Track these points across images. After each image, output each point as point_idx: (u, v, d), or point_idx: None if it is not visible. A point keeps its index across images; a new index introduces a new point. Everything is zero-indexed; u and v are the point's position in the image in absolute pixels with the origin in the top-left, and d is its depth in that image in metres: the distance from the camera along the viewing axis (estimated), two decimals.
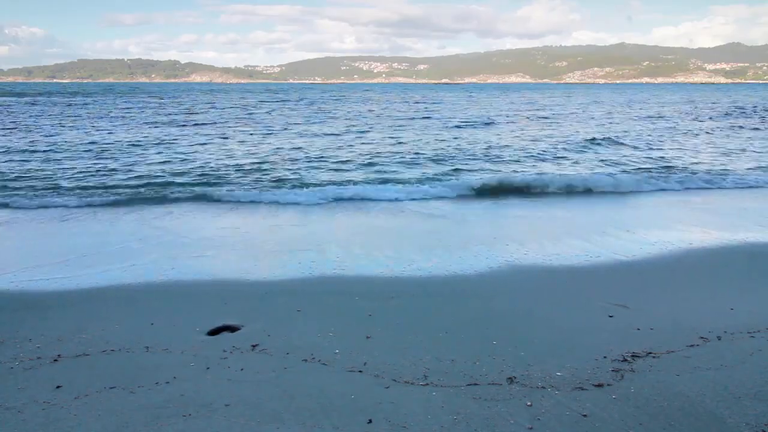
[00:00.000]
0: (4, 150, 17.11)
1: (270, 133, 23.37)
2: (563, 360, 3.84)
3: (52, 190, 10.95)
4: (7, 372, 3.73)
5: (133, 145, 18.78)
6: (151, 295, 5.31)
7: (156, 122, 28.28)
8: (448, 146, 18.62)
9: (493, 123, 28.93)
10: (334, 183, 11.99)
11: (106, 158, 15.77)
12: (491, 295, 5.25)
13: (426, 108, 44.01)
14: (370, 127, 25.82)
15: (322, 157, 16.25)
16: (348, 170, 13.70)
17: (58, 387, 3.51)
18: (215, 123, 28.45)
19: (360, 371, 3.71)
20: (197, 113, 35.81)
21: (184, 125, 26.79)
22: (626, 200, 10.52)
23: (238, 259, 6.54)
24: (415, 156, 16.09)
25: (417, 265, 6.25)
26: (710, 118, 32.79)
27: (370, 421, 3.12)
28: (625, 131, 23.80)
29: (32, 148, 17.52)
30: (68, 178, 12.48)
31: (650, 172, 13.27)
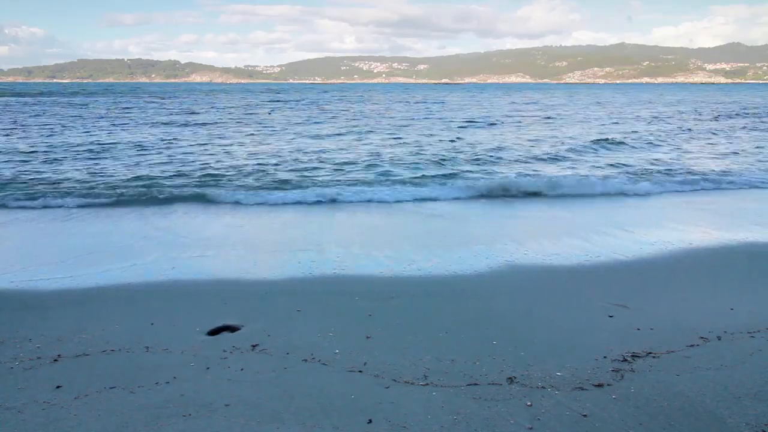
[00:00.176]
0: (3, 150, 17.11)
1: (271, 134, 23.36)
2: (563, 360, 3.84)
3: (52, 190, 10.94)
4: (7, 372, 3.73)
5: (134, 145, 18.78)
6: (151, 295, 5.31)
7: (157, 122, 28.29)
8: (452, 147, 18.56)
9: (496, 123, 28.87)
10: (334, 183, 11.98)
11: (107, 158, 15.78)
12: (491, 295, 5.25)
13: (427, 108, 44.00)
14: (372, 128, 25.80)
15: (323, 157, 16.25)
16: (349, 171, 13.68)
17: (58, 387, 3.51)
18: (216, 123, 28.45)
19: (360, 371, 3.71)
20: (198, 113, 35.82)
21: (184, 125, 26.79)
22: (626, 200, 10.52)
23: (238, 259, 6.54)
24: (417, 157, 16.07)
25: (417, 265, 6.25)
26: (715, 118, 32.71)
27: (370, 421, 3.12)
28: (631, 132, 23.64)
29: (32, 148, 17.52)
30: (68, 178, 12.48)
31: (664, 174, 13.14)
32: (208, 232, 7.98)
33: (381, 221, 8.96)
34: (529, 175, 13.03)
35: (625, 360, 3.85)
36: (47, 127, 25.04)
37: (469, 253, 6.72)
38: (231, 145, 19.27)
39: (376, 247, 7.05)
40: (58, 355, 3.97)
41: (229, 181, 12.28)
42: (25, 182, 11.93)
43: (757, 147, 18.88)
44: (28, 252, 6.95)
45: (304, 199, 10.32)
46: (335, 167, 14.25)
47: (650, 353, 3.95)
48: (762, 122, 29.86)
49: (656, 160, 15.73)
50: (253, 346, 4.13)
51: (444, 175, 12.87)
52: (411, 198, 10.48)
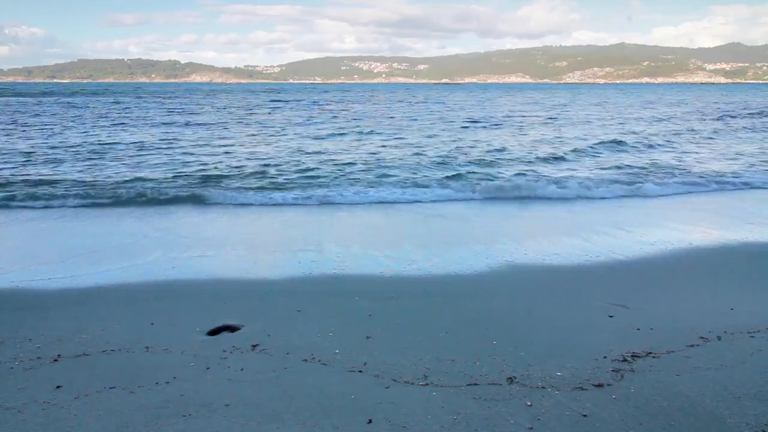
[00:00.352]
0: (4, 150, 17.11)
1: (272, 134, 23.36)
2: (563, 360, 3.84)
3: (52, 190, 10.94)
4: (7, 372, 3.73)
5: (134, 145, 18.78)
6: (151, 295, 5.31)
7: (157, 122, 28.29)
8: (453, 147, 18.51)
9: (500, 124, 28.81)
10: (335, 184, 11.98)
11: (107, 158, 15.77)
12: (491, 295, 5.25)
13: (429, 108, 43.96)
14: (373, 128, 25.79)
15: (323, 157, 16.25)
16: (350, 171, 13.66)
17: (58, 387, 3.51)
18: (216, 123, 28.46)
19: (360, 371, 3.71)
20: (199, 113, 35.83)
21: (185, 125, 26.79)
22: (626, 201, 10.52)
23: (238, 259, 6.54)
24: (418, 157, 16.05)
25: (417, 265, 6.25)
26: (720, 118, 32.65)
27: (370, 421, 3.12)
28: (631, 132, 23.60)
29: (32, 148, 17.52)
30: (69, 178, 12.47)
31: (668, 174, 13.07)
32: (208, 232, 7.99)
33: (381, 221, 8.97)
34: (545, 178, 13.02)
35: (625, 360, 3.85)
36: (47, 127, 25.04)
37: (469, 253, 6.72)
38: (231, 145, 19.27)
39: (376, 247, 7.05)
40: (58, 355, 3.97)
41: (230, 181, 12.28)
42: (25, 182, 11.93)
43: (760, 148, 18.87)
44: (28, 252, 6.95)
45: (304, 200, 10.32)
46: (336, 167, 14.24)
47: (650, 353, 3.95)
48: (762, 122, 29.86)
49: (657, 161, 15.69)
50: (253, 346, 4.13)
51: (445, 177, 12.84)
52: (411, 199, 10.49)
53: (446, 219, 8.92)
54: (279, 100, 56.03)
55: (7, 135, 21.51)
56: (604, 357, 3.89)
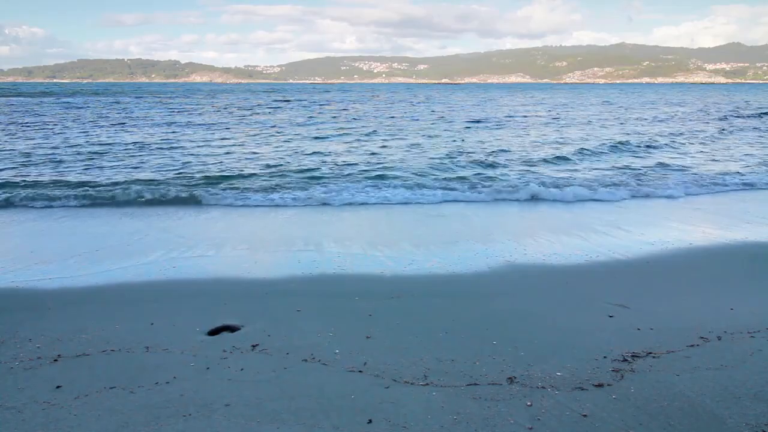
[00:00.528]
0: (4, 150, 17.11)
1: (272, 134, 23.36)
2: (563, 360, 3.84)
3: (52, 190, 10.94)
4: (7, 372, 3.73)
5: (135, 145, 18.79)
6: (151, 295, 5.31)
7: (158, 122, 28.30)
8: (455, 148, 18.49)
9: (503, 124, 28.76)
10: (335, 184, 11.98)
11: (108, 158, 15.78)
12: (491, 295, 5.25)
13: (431, 108, 43.92)
14: (375, 128, 25.78)
15: (324, 157, 16.25)
16: (351, 172, 13.66)
17: (58, 387, 3.51)
18: (217, 123, 28.46)
19: (360, 371, 3.71)
20: (200, 113, 35.83)
21: (186, 125, 26.79)
22: (627, 201, 10.52)
23: (238, 259, 6.54)
24: (419, 158, 16.04)
25: (417, 265, 6.25)
26: (723, 118, 32.59)
27: (370, 421, 3.12)
28: (642, 133, 23.42)
29: (33, 148, 17.53)
30: (69, 178, 12.48)
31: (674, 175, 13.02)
32: (208, 232, 7.99)
33: (381, 221, 8.97)
34: (530, 177, 13.01)
35: (625, 360, 3.85)
36: (48, 127, 25.04)
37: (469, 253, 6.72)
38: (232, 145, 19.27)
39: (376, 247, 7.05)
40: (58, 355, 3.97)
41: (230, 181, 12.28)
42: (25, 182, 11.93)
43: (764, 148, 18.84)
44: (28, 252, 6.95)
45: (304, 200, 10.32)
46: (337, 168, 14.24)
47: (650, 353, 3.95)
48: (764, 123, 29.84)
49: (661, 161, 15.63)
50: (253, 346, 4.13)
51: (446, 178, 12.84)
52: (412, 199, 10.48)
53: (446, 218, 8.92)
54: (280, 100, 56.03)
55: (7, 135, 21.51)
56: (604, 357, 3.89)
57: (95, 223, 8.67)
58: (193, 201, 10.22)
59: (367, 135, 22.91)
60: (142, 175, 12.95)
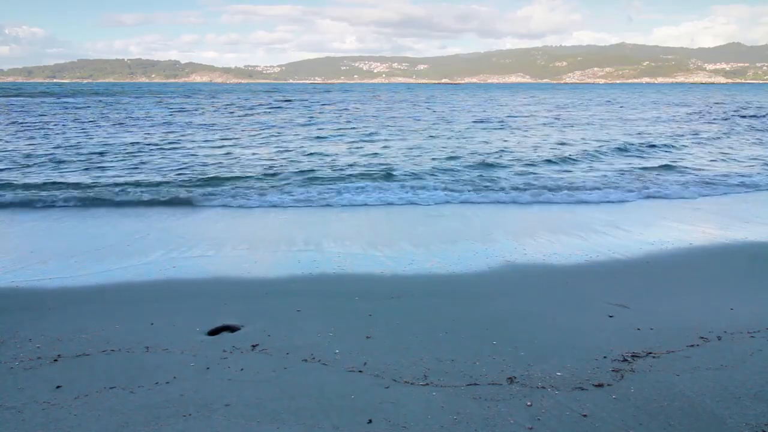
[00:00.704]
0: (4, 150, 17.12)
1: (273, 134, 23.34)
2: (563, 360, 3.84)
3: (52, 190, 10.95)
4: (7, 372, 3.73)
5: (135, 145, 18.79)
6: (151, 295, 5.32)
7: (158, 123, 28.30)
8: (457, 148, 18.48)
9: (505, 124, 28.69)
10: (336, 184, 11.98)
11: (108, 158, 15.78)
12: (491, 295, 5.25)
13: (433, 108, 43.90)
14: (377, 128, 25.76)
15: (325, 158, 16.25)
16: (352, 172, 13.64)
17: (58, 387, 3.51)
18: (218, 124, 28.46)
19: (360, 371, 3.71)
20: (200, 114, 35.83)
21: (186, 126, 26.80)
22: (627, 201, 10.52)
23: (238, 259, 6.54)
24: (421, 158, 16.04)
25: (417, 265, 6.25)
26: (727, 119, 32.55)
27: (370, 421, 3.12)
28: (645, 134, 23.22)
29: (32, 149, 17.54)
30: (69, 179, 12.48)
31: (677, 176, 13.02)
32: (208, 232, 7.99)
33: (381, 221, 8.97)
34: (532, 178, 13.00)
35: (625, 360, 3.85)
36: (47, 127, 25.05)
37: (469, 252, 6.72)
38: (233, 145, 19.27)
39: (376, 246, 7.06)
40: (58, 355, 3.97)
41: (230, 181, 12.28)
42: (25, 182, 11.93)
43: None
44: (28, 252, 6.95)
45: (304, 200, 10.32)
46: (338, 168, 14.23)
47: (650, 353, 3.95)
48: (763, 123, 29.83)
49: (664, 162, 15.58)
50: (253, 346, 4.13)
51: (446, 178, 12.83)
52: (413, 199, 10.48)
53: (446, 219, 8.92)
54: (280, 100, 56.03)
55: (7, 135, 21.52)
56: (604, 357, 3.89)
57: (95, 223, 8.67)
58: (192, 201, 10.21)
59: (368, 135, 22.88)
60: (143, 176, 12.95)
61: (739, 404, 3.27)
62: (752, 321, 4.53)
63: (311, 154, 17.14)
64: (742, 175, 13.08)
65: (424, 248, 6.97)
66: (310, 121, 30.66)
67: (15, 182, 11.94)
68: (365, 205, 10.13)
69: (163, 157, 16.08)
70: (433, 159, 15.78)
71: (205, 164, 14.80)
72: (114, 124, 26.88)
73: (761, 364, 3.77)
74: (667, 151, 18.12)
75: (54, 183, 11.89)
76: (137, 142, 19.48)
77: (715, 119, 32.24)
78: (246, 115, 35.26)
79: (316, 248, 6.98)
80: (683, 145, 19.75)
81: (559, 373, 3.65)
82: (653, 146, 19.16)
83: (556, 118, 32.96)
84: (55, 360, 3.91)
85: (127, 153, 16.96)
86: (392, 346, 4.10)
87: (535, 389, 3.45)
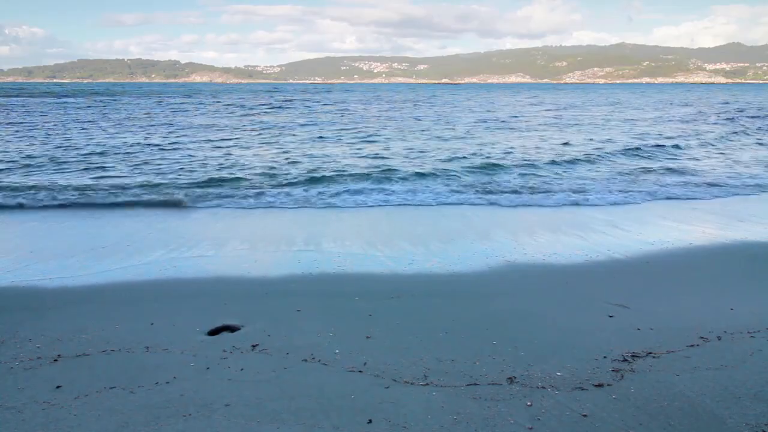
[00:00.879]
0: (4, 150, 17.12)
1: (273, 135, 23.32)
2: (563, 360, 3.84)
3: (52, 191, 10.95)
4: (7, 372, 3.73)
5: (135, 145, 18.79)
6: (151, 295, 5.32)
7: (159, 123, 28.30)
8: (458, 148, 18.42)
9: (508, 124, 28.60)
10: (336, 184, 11.98)
11: (108, 159, 15.78)
12: (491, 295, 5.25)
13: (434, 109, 43.85)
14: (377, 129, 25.74)
15: (326, 158, 16.24)
16: (353, 172, 13.63)
17: (58, 387, 3.52)
18: (219, 124, 28.46)
19: (360, 371, 3.72)
20: (201, 114, 35.83)
21: (187, 126, 26.79)
22: (627, 202, 10.51)
23: (238, 259, 6.54)
24: (422, 158, 16.02)
25: (417, 264, 6.25)
26: (731, 119, 32.49)
27: (370, 421, 3.12)
28: (649, 134, 23.08)
29: (33, 149, 17.54)
30: (70, 179, 12.48)
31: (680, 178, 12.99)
32: (208, 232, 7.99)
33: (381, 222, 8.96)
34: (534, 179, 12.98)
35: (625, 360, 3.85)
36: (48, 127, 25.05)
37: (469, 252, 6.72)
38: (233, 146, 19.26)
39: (376, 247, 7.06)
40: (58, 355, 3.98)
41: (230, 182, 12.28)
42: (26, 183, 11.93)
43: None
44: (28, 252, 6.95)
45: (305, 200, 10.32)
46: (338, 168, 14.22)
47: (650, 353, 3.95)
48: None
49: (667, 164, 15.56)
50: (253, 346, 4.13)
51: (447, 179, 12.81)
52: (413, 200, 10.48)
53: (446, 219, 8.92)
54: (281, 100, 56.01)
55: (7, 135, 21.52)
56: (604, 357, 3.89)
57: (95, 223, 8.67)
58: (193, 201, 10.21)
59: (369, 135, 22.87)
60: (143, 176, 12.95)
61: (739, 404, 3.27)
62: (752, 321, 4.53)
63: (312, 154, 17.12)
64: (747, 176, 13.06)
65: (424, 248, 6.97)
66: (311, 121, 30.64)
67: (15, 183, 11.93)
68: (365, 205, 10.13)
69: (163, 158, 16.07)
70: (434, 159, 15.77)
71: (205, 164, 14.79)
72: (114, 125, 26.88)
73: (761, 364, 3.76)
74: (670, 152, 18.07)
75: (54, 183, 11.88)
76: (138, 143, 19.48)
77: (718, 120, 32.17)
78: (246, 115, 35.25)
79: (316, 248, 6.99)
80: (687, 146, 19.67)
81: (559, 373, 3.65)
82: (657, 146, 19.10)
83: (558, 118, 32.92)
84: (55, 360, 3.91)
85: (127, 153, 16.95)
86: (392, 346, 4.10)
87: (535, 389, 3.45)
